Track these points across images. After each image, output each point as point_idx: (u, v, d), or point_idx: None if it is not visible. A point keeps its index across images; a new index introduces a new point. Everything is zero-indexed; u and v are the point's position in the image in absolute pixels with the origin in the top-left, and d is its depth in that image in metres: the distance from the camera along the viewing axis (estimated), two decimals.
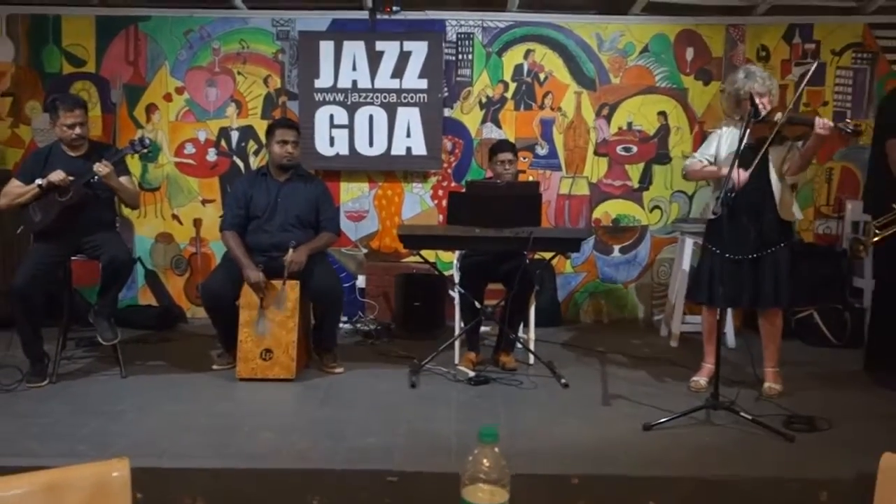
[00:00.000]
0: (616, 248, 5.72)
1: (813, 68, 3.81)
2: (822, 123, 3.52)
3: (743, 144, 3.56)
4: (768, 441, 3.29)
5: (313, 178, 4.53)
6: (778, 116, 3.64)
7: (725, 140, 3.91)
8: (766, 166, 3.80)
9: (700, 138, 5.50)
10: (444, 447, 3.21)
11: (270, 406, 3.79)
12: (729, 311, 4.70)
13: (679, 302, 5.03)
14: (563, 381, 4.09)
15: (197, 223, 5.64)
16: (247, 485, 2.93)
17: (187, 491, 2.89)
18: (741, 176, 3.67)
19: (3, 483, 1.39)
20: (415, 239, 4.24)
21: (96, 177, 3.93)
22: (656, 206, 5.68)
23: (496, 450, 1.27)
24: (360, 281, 5.62)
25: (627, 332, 5.46)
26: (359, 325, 5.35)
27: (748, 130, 3.59)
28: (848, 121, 3.61)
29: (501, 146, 4.59)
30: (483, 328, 4.64)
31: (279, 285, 4.08)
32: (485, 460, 1.24)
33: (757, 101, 3.67)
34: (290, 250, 4.10)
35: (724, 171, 3.70)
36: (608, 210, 5.69)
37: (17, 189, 4.00)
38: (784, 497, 2.94)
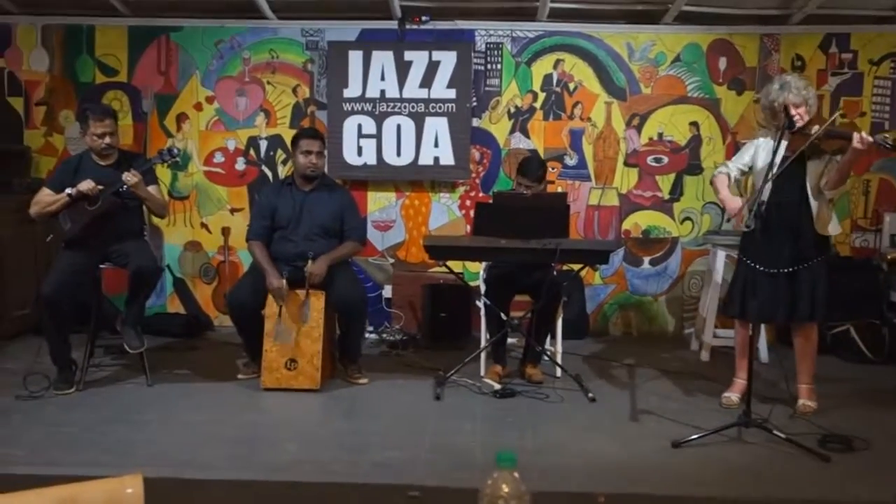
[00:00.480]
0: (646, 259, 5.63)
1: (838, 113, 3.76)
2: (860, 138, 3.42)
3: (779, 157, 3.48)
4: (802, 461, 3.20)
5: (338, 187, 4.52)
6: (815, 129, 3.55)
7: (762, 151, 3.83)
8: (802, 181, 3.71)
9: (733, 149, 5.41)
10: (467, 462, 3.16)
11: (295, 417, 3.78)
12: (762, 325, 4.60)
13: (710, 315, 4.93)
14: (590, 394, 4.02)
15: (225, 232, 5.66)
16: (269, 497, 2.91)
17: (208, 502, 2.88)
18: (735, 204, 3.74)
19: (12, 500, 1.37)
20: (441, 250, 4.20)
21: (125, 186, 3.95)
22: (687, 218, 5.58)
23: (515, 475, 1.22)
24: (387, 291, 5.60)
25: (657, 345, 5.36)
26: (385, 335, 5.32)
27: (783, 143, 3.52)
28: (886, 135, 3.53)
29: (524, 170, 4.39)
30: (509, 340, 4.58)
31: (303, 294, 4.07)
32: (504, 485, 1.20)
33: (792, 111, 3.59)
34: (310, 262, 4.09)
35: (731, 205, 3.79)
36: (638, 221, 5.60)
37: (47, 198, 4.03)
38: None
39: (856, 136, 3.43)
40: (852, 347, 4.93)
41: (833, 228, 3.78)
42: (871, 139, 3.41)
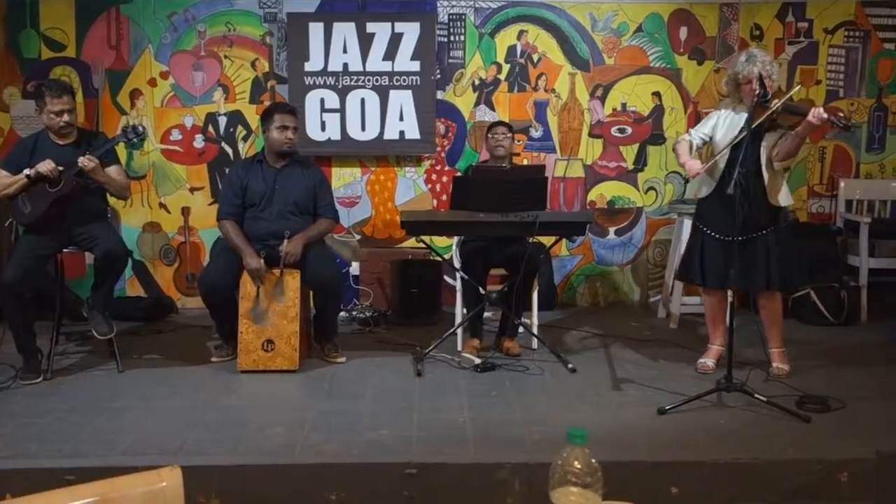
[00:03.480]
0: (611, 230, 5.68)
1: (795, 89, 3.85)
2: (817, 113, 3.48)
3: (743, 127, 3.55)
4: (784, 422, 3.29)
5: (311, 164, 4.41)
6: (774, 103, 3.60)
7: (723, 123, 3.87)
8: (757, 152, 3.76)
9: (695, 118, 5.47)
10: (460, 437, 3.16)
11: (277, 399, 3.71)
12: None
13: (678, 283, 5.00)
14: (570, 365, 4.05)
15: (185, 211, 5.50)
16: (263, 481, 2.86)
17: (201, 489, 2.81)
18: (694, 166, 3.77)
19: (47, 499, 1.31)
20: (418, 225, 4.14)
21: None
22: (651, 188, 5.64)
23: (587, 451, 1.20)
24: (354, 268, 5.52)
25: (625, 314, 5.44)
26: (355, 313, 5.26)
27: (754, 112, 3.56)
28: (841, 114, 3.60)
29: (497, 122, 4.75)
30: (485, 314, 4.57)
31: (278, 274, 3.99)
32: (575, 462, 1.18)
33: (754, 84, 3.62)
34: (285, 241, 4.00)
35: (691, 165, 3.79)
36: (603, 192, 5.64)
37: (4, 180, 3.85)
38: (805, 479, 2.93)
39: (812, 110, 3.50)
40: (813, 310, 5.06)
41: (785, 199, 3.85)
42: (825, 115, 3.48)
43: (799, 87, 4.50)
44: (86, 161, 3.78)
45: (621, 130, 5.58)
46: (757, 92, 3.58)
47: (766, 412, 3.36)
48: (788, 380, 3.81)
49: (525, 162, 5.49)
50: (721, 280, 3.85)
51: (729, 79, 3.90)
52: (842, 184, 5.53)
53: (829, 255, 5.24)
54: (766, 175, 3.77)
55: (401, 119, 5.40)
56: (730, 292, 3.66)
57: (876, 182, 5.57)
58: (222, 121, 5.46)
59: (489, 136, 4.65)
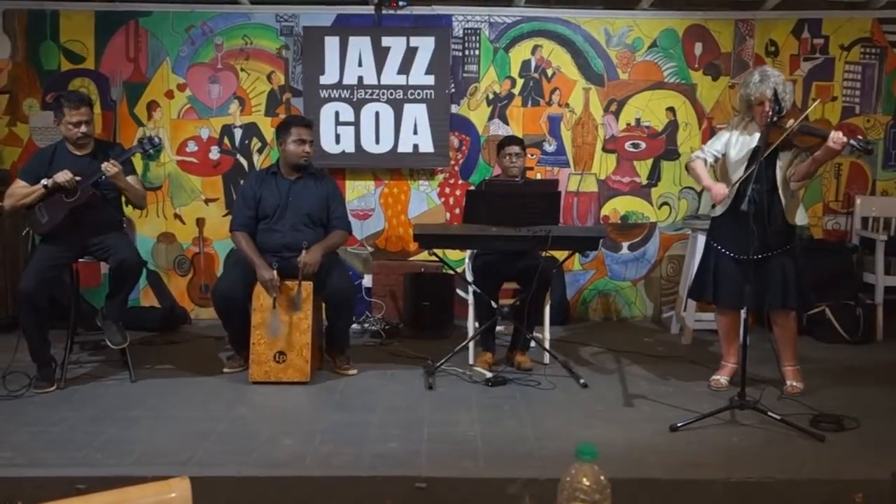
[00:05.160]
0: (625, 245, 5.67)
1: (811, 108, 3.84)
2: (836, 138, 3.46)
3: (755, 146, 3.56)
4: (798, 441, 3.25)
5: (323, 176, 4.42)
6: (790, 123, 3.57)
7: (735, 141, 3.84)
8: (773, 171, 3.74)
9: (709, 134, 5.47)
10: (470, 452, 3.14)
11: (288, 410, 3.71)
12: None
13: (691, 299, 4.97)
14: (581, 380, 4.03)
15: (200, 223, 5.54)
16: (272, 493, 2.86)
17: (211, 500, 2.80)
18: (720, 191, 3.75)
19: None
20: (431, 238, 4.15)
21: (104, 176, 3.84)
22: (665, 203, 5.63)
23: (596, 468, 1.20)
24: (367, 280, 5.54)
25: (638, 329, 5.42)
26: (366, 325, 5.27)
27: (766, 132, 3.54)
28: (860, 137, 3.58)
29: (509, 140, 4.65)
30: (497, 327, 4.56)
31: (293, 286, 4.00)
32: (584, 479, 1.17)
33: (767, 106, 3.59)
34: (304, 251, 4.01)
35: (717, 190, 3.78)
36: (617, 207, 5.64)
37: (22, 190, 3.89)
38: (819, 499, 2.89)
39: (832, 134, 3.48)
40: (829, 328, 5.02)
41: (801, 218, 3.83)
42: (844, 139, 3.46)
43: (816, 102, 4.46)
44: (109, 166, 3.81)
45: (635, 145, 5.58)
46: (770, 114, 3.55)
47: (780, 430, 3.33)
48: (802, 398, 3.77)
49: (538, 176, 5.50)
50: (735, 300, 3.82)
51: (741, 99, 3.83)
52: (858, 201, 5.50)
53: (844, 272, 5.21)
54: (782, 195, 3.74)
55: (415, 132, 5.42)
56: (744, 310, 3.62)
57: (892, 199, 5.53)
58: (238, 133, 5.51)
59: (503, 154, 4.55)
